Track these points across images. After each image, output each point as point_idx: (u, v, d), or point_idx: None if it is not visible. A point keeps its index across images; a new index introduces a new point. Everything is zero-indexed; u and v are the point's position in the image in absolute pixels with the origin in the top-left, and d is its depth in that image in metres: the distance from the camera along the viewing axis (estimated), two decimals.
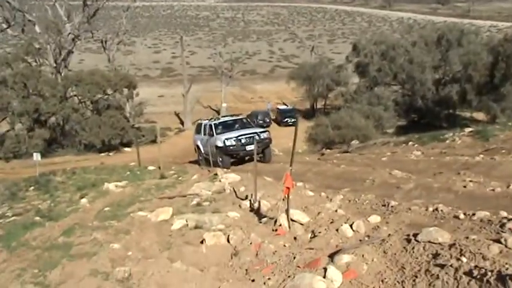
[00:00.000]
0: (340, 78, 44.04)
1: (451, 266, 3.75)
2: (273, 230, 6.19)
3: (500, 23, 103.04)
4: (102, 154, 29.75)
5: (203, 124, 19.73)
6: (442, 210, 5.86)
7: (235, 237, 5.97)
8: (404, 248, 4.47)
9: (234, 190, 9.05)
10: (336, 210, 6.70)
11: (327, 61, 53.68)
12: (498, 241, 4.20)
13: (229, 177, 10.35)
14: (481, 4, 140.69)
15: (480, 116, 29.43)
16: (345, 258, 4.36)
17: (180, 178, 12.09)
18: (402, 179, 9.45)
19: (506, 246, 4.09)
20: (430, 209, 6.05)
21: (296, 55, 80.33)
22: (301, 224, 6.19)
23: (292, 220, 6.18)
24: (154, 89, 54.22)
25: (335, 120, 27.22)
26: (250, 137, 17.03)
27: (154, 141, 29.19)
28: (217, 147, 17.31)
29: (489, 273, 3.42)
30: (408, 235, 4.72)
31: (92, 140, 30.05)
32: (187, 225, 6.96)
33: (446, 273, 3.69)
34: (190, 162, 21.13)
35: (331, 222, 5.99)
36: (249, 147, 16.70)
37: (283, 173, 6.38)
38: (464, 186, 7.62)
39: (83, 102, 32.37)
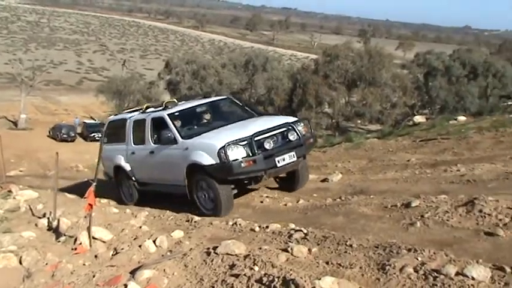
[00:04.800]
0: (151, 95, 43.96)
1: (244, 275, 4.03)
2: (72, 249, 5.90)
3: (299, 53, 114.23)
4: None
5: (132, 121, 9.75)
6: (240, 224, 6.27)
7: (29, 258, 5.53)
8: (204, 260, 4.66)
9: (31, 208, 8.35)
10: (141, 227, 6.66)
11: (139, 76, 53.24)
12: (286, 250, 4.66)
13: (25, 194, 9.49)
14: (283, 34, 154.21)
15: None
16: (146, 274, 4.38)
17: None
18: None
19: (292, 254, 4.57)
20: (230, 223, 6.42)
21: (106, 68, 77.99)
22: (104, 241, 6.01)
23: (94, 238, 5.96)
24: None
25: None
26: (279, 135, 8.06)
27: None
28: (203, 168, 7.69)
29: (276, 279, 3.77)
30: (208, 248, 4.93)
31: None
32: None
33: (240, 282, 3.96)
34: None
35: (135, 239, 5.94)
36: (281, 160, 7.83)
37: (86, 190, 6.14)
38: (261, 202, 8.25)
39: None
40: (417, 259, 4.02)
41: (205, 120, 9.45)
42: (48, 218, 7.26)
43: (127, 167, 9.90)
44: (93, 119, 48.99)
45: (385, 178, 9.09)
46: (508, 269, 3.71)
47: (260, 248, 4.77)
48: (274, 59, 36.26)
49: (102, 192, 8.64)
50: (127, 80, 47.60)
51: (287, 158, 7.85)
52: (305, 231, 5.36)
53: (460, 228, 5.22)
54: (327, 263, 4.30)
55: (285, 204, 7.83)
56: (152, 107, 9.72)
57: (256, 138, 7.65)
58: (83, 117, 49.12)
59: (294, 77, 31.12)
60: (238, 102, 10.20)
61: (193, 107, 9.58)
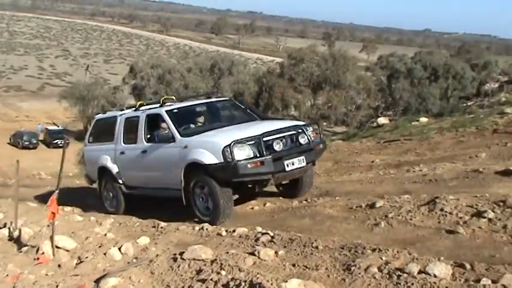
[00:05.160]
0: (116, 100, 43.41)
1: (211, 280, 4.03)
2: (34, 259, 5.75)
3: (265, 56, 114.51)
4: None
5: (123, 118, 9.01)
6: (207, 229, 6.23)
7: None
8: (170, 267, 4.63)
9: None
10: (106, 234, 6.55)
11: (103, 81, 52.54)
12: (253, 254, 4.67)
13: None
14: (249, 38, 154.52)
15: None
16: (111, 282, 4.32)
17: None
18: None
19: (259, 257, 4.58)
20: (197, 228, 6.38)
21: (69, 73, 76.53)
22: (67, 250, 5.88)
23: (57, 247, 5.83)
24: None
25: None
26: (289, 137, 7.42)
27: None
28: (204, 167, 7.04)
29: (243, 283, 3.77)
30: (175, 254, 4.89)
31: None
32: None
33: (207, 287, 3.95)
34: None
35: (100, 247, 5.84)
36: (290, 163, 7.20)
37: (49, 198, 6.00)
38: None
39: None
40: (381, 258, 4.10)
41: (205, 121, 8.83)
42: (9, 228, 7.06)
43: (114, 168, 9.04)
44: (56, 125, 48.06)
45: (350, 179, 9.21)
46: (468, 266, 3.82)
47: (227, 253, 4.76)
48: (240, 62, 36.48)
49: (65, 200, 8.46)
50: (91, 85, 46.98)
51: (296, 163, 7.26)
52: (272, 234, 5.38)
53: (422, 227, 5.34)
54: (294, 265, 4.33)
55: (252, 208, 7.86)
56: (147, 104, 9.13)
57: (264, 139, 7.05)
58: (46, 123, 48.10)
59: (260, 81, 31.23)
60: (240, 105, 9.47)
61: (192, 105, 8.99)
